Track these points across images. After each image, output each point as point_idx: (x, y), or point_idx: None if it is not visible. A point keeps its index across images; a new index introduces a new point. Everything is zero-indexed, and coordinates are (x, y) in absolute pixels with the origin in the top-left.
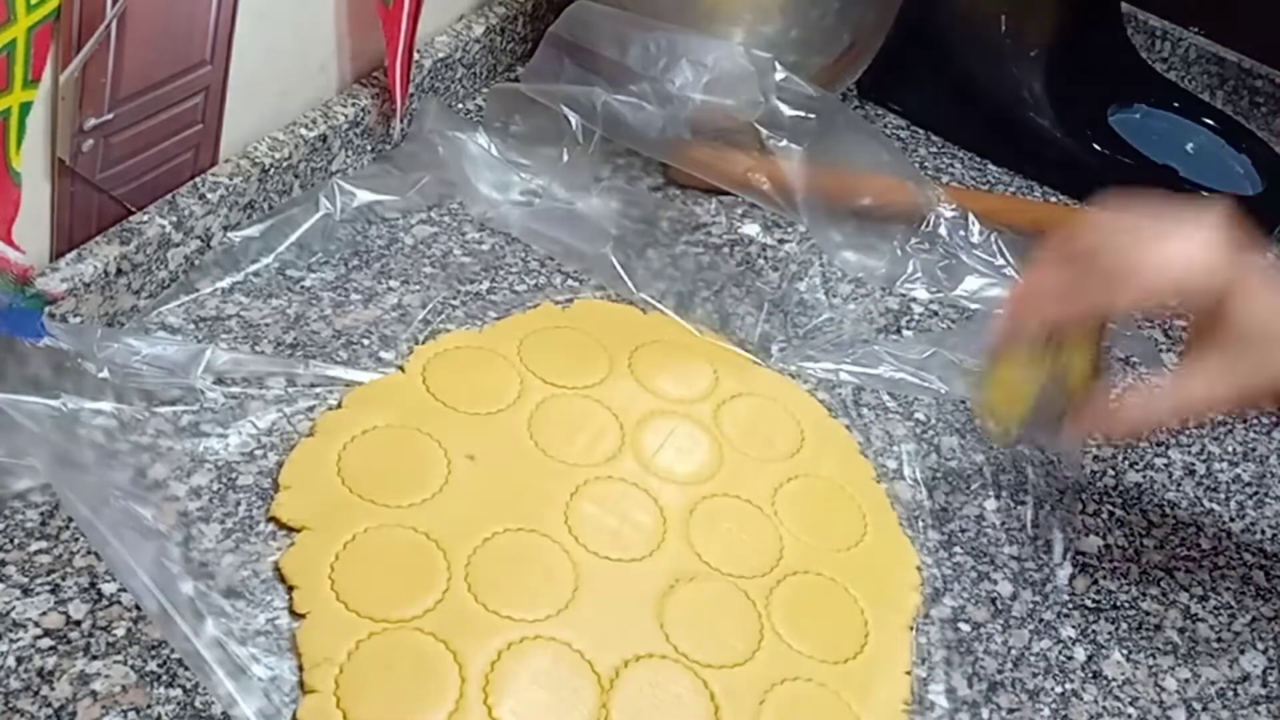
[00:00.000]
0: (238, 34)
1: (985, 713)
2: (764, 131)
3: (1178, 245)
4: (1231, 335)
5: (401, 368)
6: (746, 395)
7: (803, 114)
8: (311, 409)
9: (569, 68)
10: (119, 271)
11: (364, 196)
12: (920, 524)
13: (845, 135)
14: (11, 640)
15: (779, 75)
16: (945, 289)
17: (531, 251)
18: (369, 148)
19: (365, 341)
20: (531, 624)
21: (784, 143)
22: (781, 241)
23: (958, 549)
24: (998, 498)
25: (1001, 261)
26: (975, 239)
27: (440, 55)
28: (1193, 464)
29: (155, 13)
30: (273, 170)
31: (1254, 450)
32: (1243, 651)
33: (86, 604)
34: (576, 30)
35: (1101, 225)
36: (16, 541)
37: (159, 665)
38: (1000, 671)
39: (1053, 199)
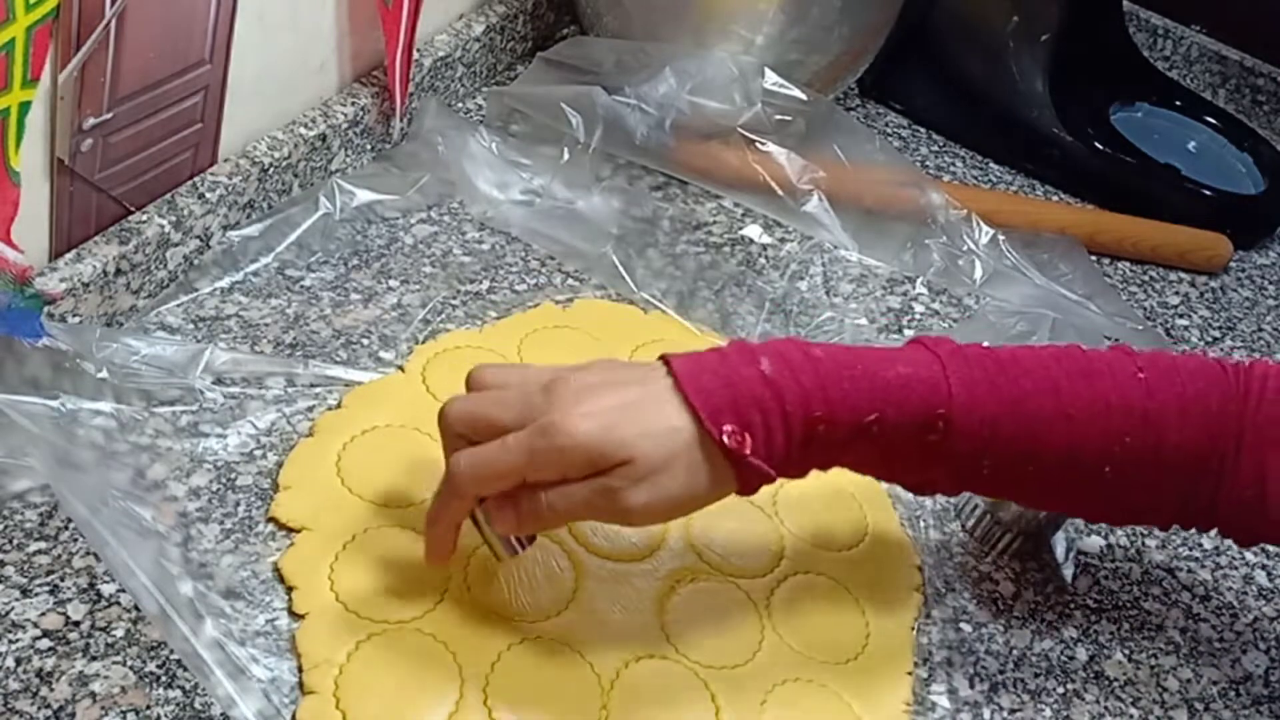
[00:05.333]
0: (237, 33)
1: (987, 713)
2: (750, 135)
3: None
4: (636, 470)
5: (401, 367)
6: None
7: (789, 117)
8: (311, 409)
9: (559, 81)
10: (118, 271)
11: (364, 196)
12: (921, 524)
13: (839, 137)
14: (10, 641)
15: (767, 81)
16: (947, 288)
17: (532, 251)
18: (369, 147)
19: (365, 341)
20: (532, 624)
21: (769, 146)
22: (782, 241)
23: (959, 549)
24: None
25: (1008, 261)
26: (978, 237)
27: (440, 54)
28: None
29: (154, 12)
30: (272, 169)
31: None
32: (1245, 651)
33: (85, 605)
34: (566, 53)
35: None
36: (15, 542)
37: (158, 666)
38: (1002, 672)
39: (1055, 197)
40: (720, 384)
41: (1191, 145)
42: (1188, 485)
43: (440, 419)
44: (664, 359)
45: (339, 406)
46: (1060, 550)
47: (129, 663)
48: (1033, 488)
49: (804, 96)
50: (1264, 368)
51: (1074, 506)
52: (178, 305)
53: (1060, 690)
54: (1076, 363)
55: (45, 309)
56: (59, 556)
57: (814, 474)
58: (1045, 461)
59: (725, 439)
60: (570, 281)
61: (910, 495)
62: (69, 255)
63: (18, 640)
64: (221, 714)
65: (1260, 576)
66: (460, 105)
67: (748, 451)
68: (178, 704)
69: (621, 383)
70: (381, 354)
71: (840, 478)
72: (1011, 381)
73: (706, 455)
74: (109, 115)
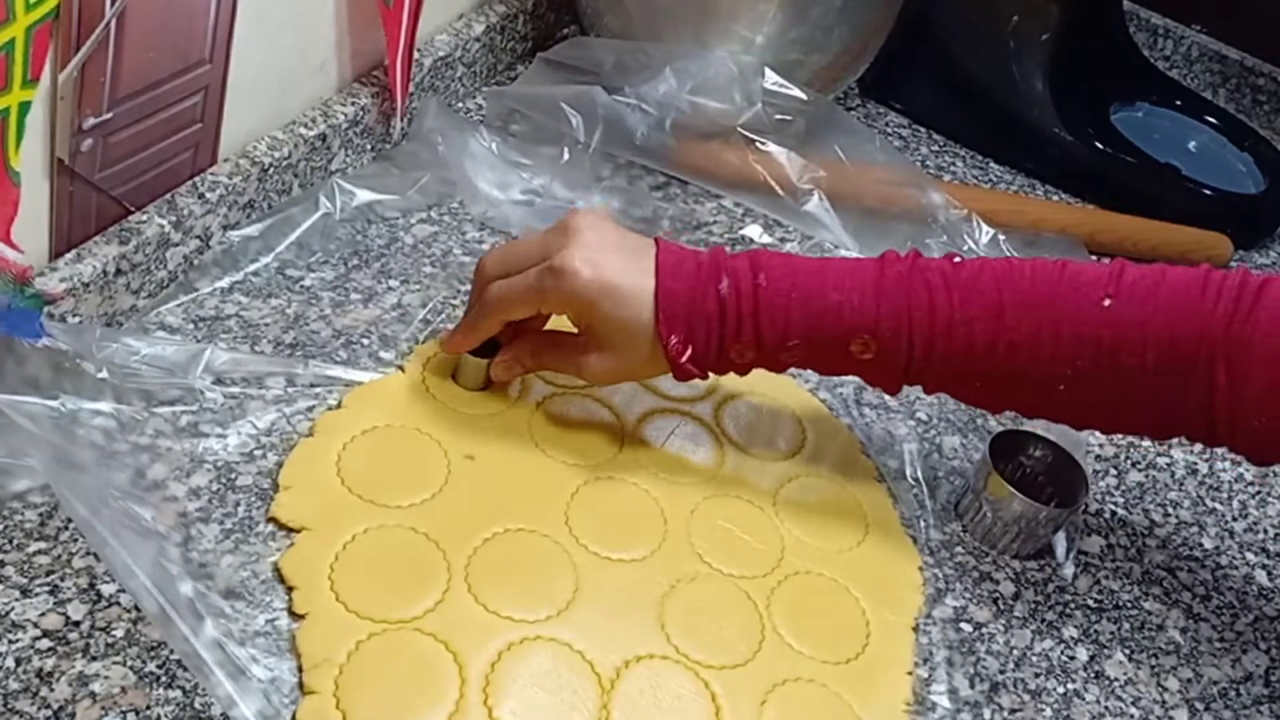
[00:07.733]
0: (237, 33)
1: (987, 713)
2: (750, 135)
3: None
4: (601, 335)
5: (401, 367)
6: (748, 394)
7: (789, 117)
8: (311, 409)
9: (559, 81)
10: (118, 271)
11: (364, 196)
12: (922, 524)
13: (839, 136)
14: (10, 641)
15: (767, 81)
16: None
17: None
18: (369, 147)
19: (365, 341)
20: (532, 624)
21: (769, 146)
22: (783, 240)
23: (959, 549)
24: None
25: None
26: (978, 237)
27: (440, 54)
28: (1195, 463)
29: (154, 12)
30: (272, 169)
31: None
32: (1245, 651)
33: (85, 605)
34: (566, 53)
35: (491, 262)
36: (15, 542)
37: (158, 666)
38: (1002, 672)
39: (1055, 197)
40: (684, 295)
41: (1192, 145)
42: (1165, 399)
43: (478, 267)
44: (658, 245)
45: (339, 406)
46: (1061, 550)
47: (129, 663)
48: (986, 396)
49: (804, 96)
50: (1250, 279)
51: (1036, 413)
52: (178, 305)
53: (1061, 690)
54: (1038, 288)
55: (45, 309)
56: (59, 557)
57: (815, 474)
58: (991, 378)
59: (669, 346)
60: None
61: (910, 495)
62: (69, 255)
63: (18, 640)
64: (222, 714)
65: (1261, 576)
66: (460, 105)
67: (684, 360)
68: (178, 704)
69: (621, 251)
70: (382, 354)
71: (842, 477)
72: (954, 305)
73: (654, 343)
74: (109, 115)
